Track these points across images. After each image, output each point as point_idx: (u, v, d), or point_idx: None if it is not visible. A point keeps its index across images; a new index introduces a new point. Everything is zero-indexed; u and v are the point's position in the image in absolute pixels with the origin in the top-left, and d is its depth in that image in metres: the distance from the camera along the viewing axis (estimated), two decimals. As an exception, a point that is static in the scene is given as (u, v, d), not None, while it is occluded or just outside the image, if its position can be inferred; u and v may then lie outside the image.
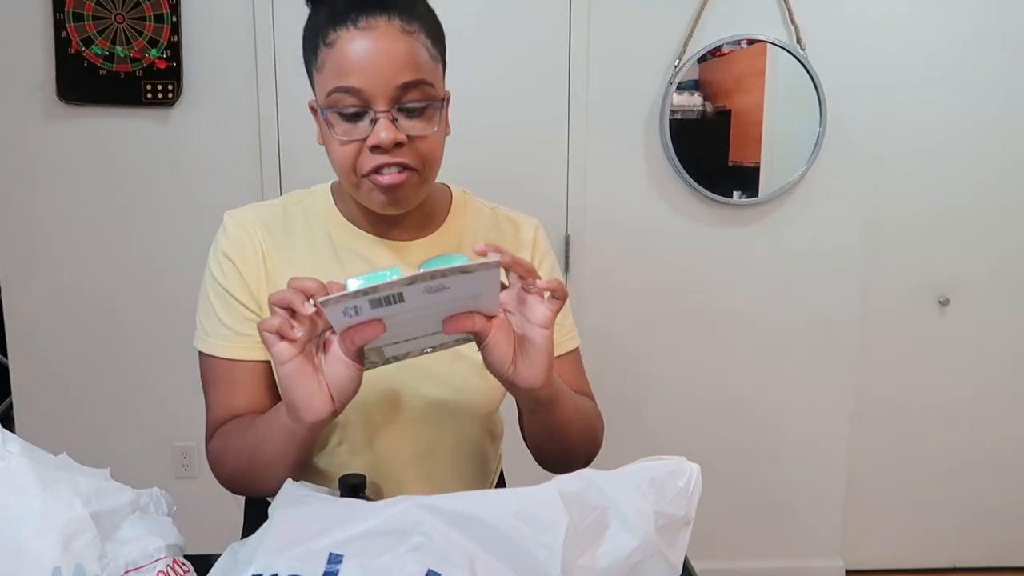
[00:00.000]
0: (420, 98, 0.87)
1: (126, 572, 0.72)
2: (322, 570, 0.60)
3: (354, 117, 0.87)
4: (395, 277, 0.68)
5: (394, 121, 0.86)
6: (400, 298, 0.70)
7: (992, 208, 2.40)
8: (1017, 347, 2.49)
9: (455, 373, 0.99)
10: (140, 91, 2.12)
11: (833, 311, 2.38)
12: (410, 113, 0.87)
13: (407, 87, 0.86)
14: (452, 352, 0.88)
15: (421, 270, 0.69)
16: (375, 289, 0.68)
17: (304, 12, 0.95)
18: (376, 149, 0.87)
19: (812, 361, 2.41)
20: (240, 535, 1.17)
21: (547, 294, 0.80)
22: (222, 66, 2.16)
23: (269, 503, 1.09)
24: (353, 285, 0.71)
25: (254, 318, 0.98)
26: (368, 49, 0.85)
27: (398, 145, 0.87)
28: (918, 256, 2.42)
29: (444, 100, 0.92)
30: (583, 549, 0.65)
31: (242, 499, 1.21)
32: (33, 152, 2.16)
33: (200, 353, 1.01)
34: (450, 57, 0.96)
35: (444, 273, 0.69)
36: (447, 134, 0.95)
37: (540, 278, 0.79)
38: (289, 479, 0.77)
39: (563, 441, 0.97)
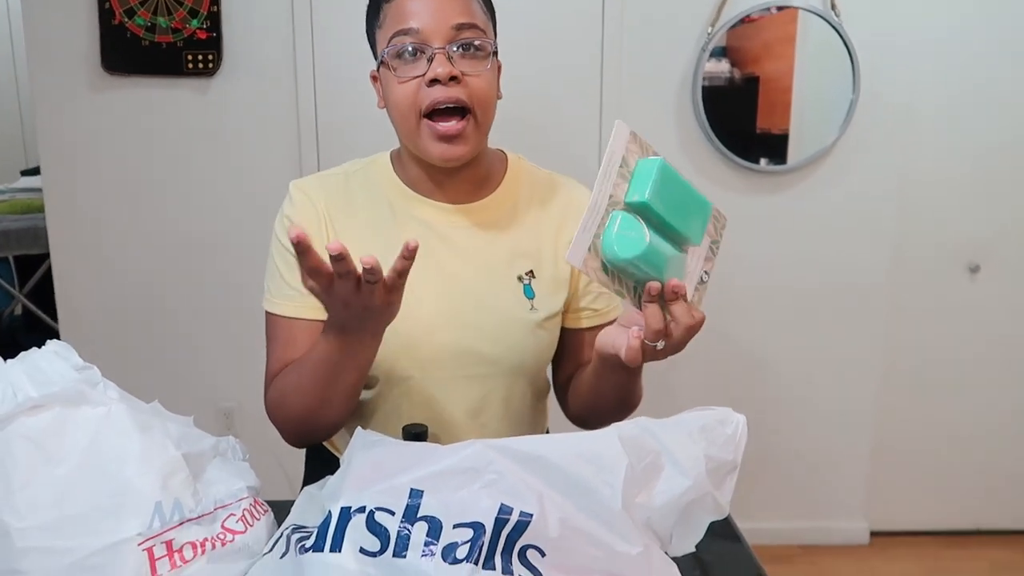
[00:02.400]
0: (474, 38, 0.95)
1: (216, 509, 0.79)
2: (405, 503, 0.66)
3: (413, 56, 0.95)
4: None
5: (449, 59, 0.94)
6: None
7: (1024, 174, 2.40)
8: (1046, 313, 2.51)
9: (509, 332, 1.04)
10: (181, 61, 2.17)
11: (862, 277, 2.40)
12: (464, 51, 0.95)
13: (461, 28, 0.94)
14: (507, 312, 0.94)
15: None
16: None
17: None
18: (433, 83, 0.93)
19: (840, 325, 2.44)
20: (301, 484, 1.24)
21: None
22: (261, 36, 2.20)
23: (330, 455, 1.16)
24: None
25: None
26: None
27: (453, 80, 0.93)
28: (949, 223, 2.43)
29: (495, 52, 0.99)
30: (640, 488, 0.71)
31: (284, 458, 1.27)
32: (79, 122, 2.22)
33: (266, 312, 1.06)
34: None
35: None
36: (499, 97, 1.02)
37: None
38: (359, 427, 0.83)
39: (621, 399, 1.02)
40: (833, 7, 2.20)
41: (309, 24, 2.18)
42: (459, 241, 1.05)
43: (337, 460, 1.12)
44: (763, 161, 2.30)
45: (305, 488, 0.85)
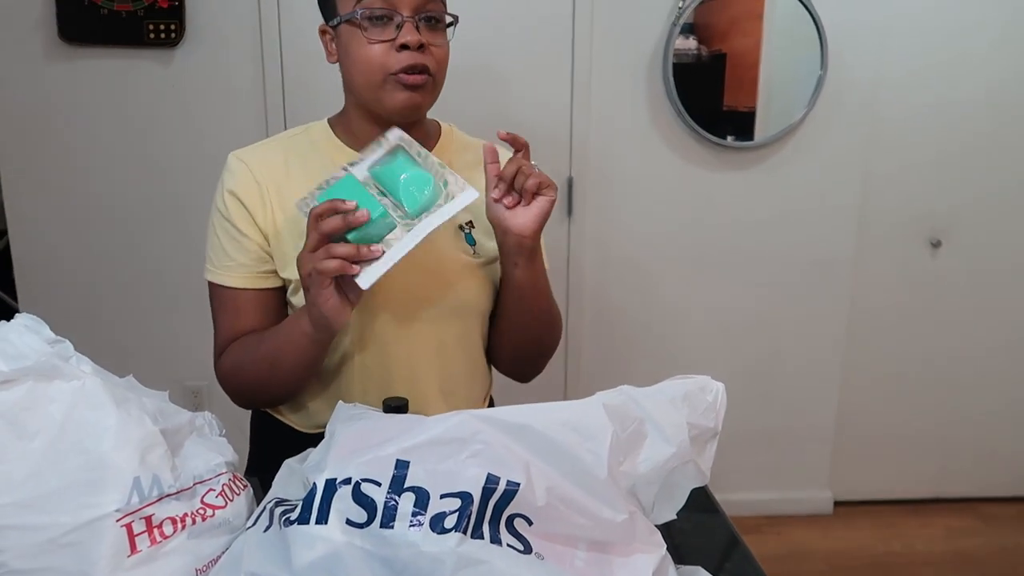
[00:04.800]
0: (438, 11, 1.04)
1: (195, 484, 0.78)
2: (391, 473, 0.65)
3: (381, 21, 1.01)
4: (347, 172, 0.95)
5: (416, 28, 1.01)
6: None
7: (988, 150, 2.44)
8: (1003, 289, 2.57)
9: (458, 274, 1.11)
10: (143, 31, 2.10)
11: (827, 252, 2.44)
12: (429, 23, 1.03)
13: (428, 0, 1.01)
14: (456, 258, 1.08)
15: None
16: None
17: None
18: (403, 48, 1.00)
19: (805, 300, 2.47)
20: (245, 468, 1.24)
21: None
22: (225, 4, 2.13)
23: (276, 421, 1.16)
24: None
25: (258, 250, 1.08)
26: None
27: (421, 48, 1.01)
28: (912, 199, 2.47)
29: (455, 22, 1.07)
30: (625, 456, 0.71)
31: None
32: (35, 94, 2.14)
33: (209, 283, 1.12)
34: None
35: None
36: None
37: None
38: (341, 401, 0.83)
39: (537, 316, 1.14)
40: (802, -17, 2.21)
41: (275, -7, 2.13)
42: None
43: (282, 425, 1.17)
44: (730, 138, 2.32)
45: (286, 462, 0.84)
